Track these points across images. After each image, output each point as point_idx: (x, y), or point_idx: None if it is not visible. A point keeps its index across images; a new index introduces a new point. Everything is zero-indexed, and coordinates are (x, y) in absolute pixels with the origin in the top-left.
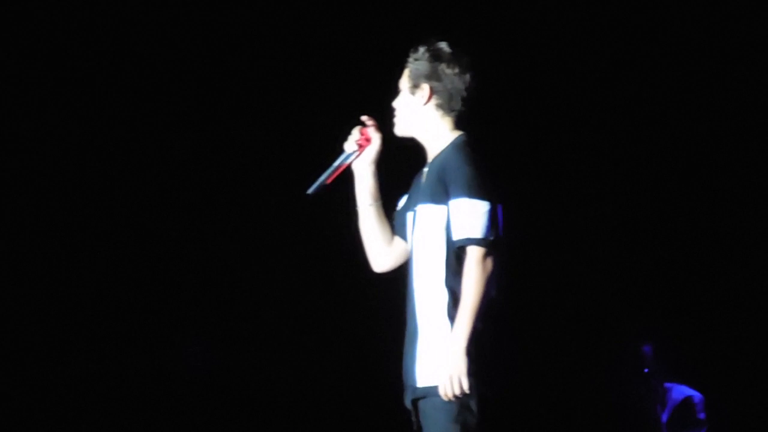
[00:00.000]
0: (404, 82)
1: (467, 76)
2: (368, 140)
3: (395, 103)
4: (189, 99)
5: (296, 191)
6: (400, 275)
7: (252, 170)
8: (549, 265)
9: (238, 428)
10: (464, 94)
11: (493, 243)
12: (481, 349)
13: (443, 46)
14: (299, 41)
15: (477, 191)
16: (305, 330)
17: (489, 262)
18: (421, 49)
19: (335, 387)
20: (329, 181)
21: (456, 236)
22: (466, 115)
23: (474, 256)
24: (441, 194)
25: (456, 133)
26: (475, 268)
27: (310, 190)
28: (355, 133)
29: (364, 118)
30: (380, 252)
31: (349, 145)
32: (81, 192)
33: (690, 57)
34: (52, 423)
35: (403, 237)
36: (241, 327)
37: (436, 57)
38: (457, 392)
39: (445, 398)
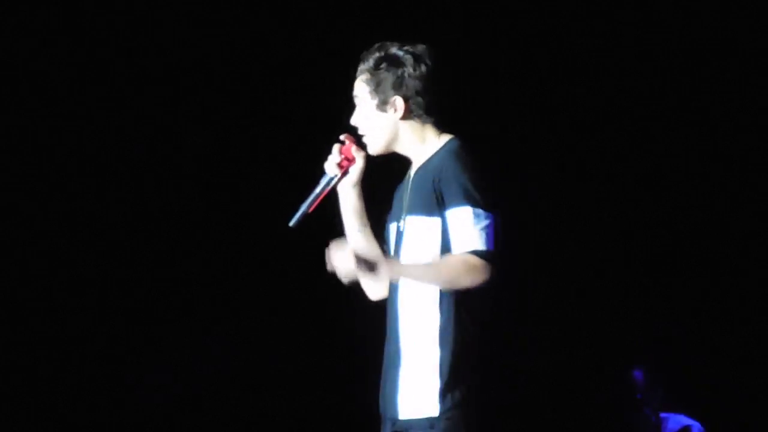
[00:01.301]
0: (365, 98)
1: (436, 72)
2: (350, 160)
3: (354, 121)
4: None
5: (279, 222)
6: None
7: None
8: (532, 283)
9: None
10: (440, 94)
11: (496, 257)
12: (471, 374)
13: (397, 49)
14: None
15: (479, 201)
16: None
17: (488, 275)
18: (373, 58)
19: (307, 417)
20: (311, 209)
21: (459, 249)
22: (449, 114)
23: (473, 263)
24: (434, 205)
25: (445, 137)
26: (467, 268)
27: (293, 222)
28: (335, 154)
29: (342, 136)
30: (375, 279)
31: (330, 167)
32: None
33: (687, 59)
34: None
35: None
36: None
37: (396, 63)
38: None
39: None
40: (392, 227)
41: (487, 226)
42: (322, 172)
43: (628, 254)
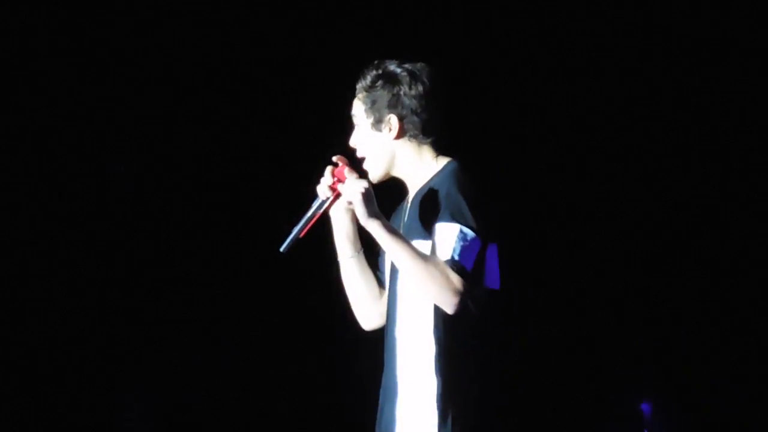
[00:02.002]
0: (361, 118)
1: (434, 93)
2: (343, 182)
3: (353, 142)
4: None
5: (269, 247)
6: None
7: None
8: (534, 310)
9: None
10: (437, 114)
11: (473, 280)
12: (467, 405)
13: (395, 66)
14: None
15: (470, 222)
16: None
17: (456, 293)
18: (370, 76)
19: None
20: (303, 234)
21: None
22: (446, 137)
23: (452, 277)
24: (432, 228)
25: (444, 160)
26: (445, 278)
27: (284, 247)
28: (328, 176)
29: (336, 158)
30: (369, 307)
31: (322, 190)
32: None
33: (682, 59)
34: None
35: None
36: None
37: (393, 81)
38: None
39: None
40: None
41: (470, 248)
42: (314, 195)
43: (640, 284)
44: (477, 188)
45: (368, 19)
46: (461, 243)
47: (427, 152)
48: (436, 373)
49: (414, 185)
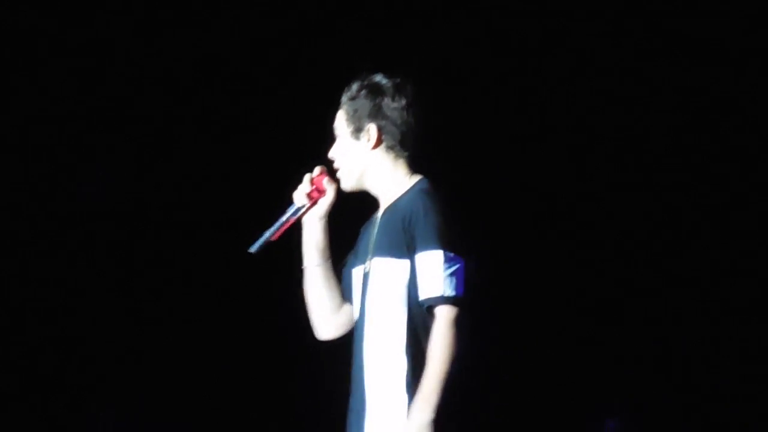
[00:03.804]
0: (342, 127)
1: (416, 107)
2: (321, 192)
3: (332, 154)
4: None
5: (239, 247)
6: (346, 339)
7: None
8: (504, 328)
9: None
10: (416, 129)
11: (466, 303)
12: (448, 425)
13: (380, 78)
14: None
15: (451, 244)
16: (230, 395)
17: (462, 324)
18: (355, 86)
19: None
20: (275, 238)
21: (424, 294)
22: (420, 155)
23: (446, 316)
24: (402, 246)
25: (416, 177)
26: (446, 330)
27: (254, 248)
28: (306, 184)
29: (317, 168)
30: (327, 318)
31: (299, 196)
32: None
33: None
34: None
35: (351, 299)
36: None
37: (376, 92)
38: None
39: None
40: (357, 271)
41: (456, 271)
42: (290, 201)
43: (604, 301)
44: (448, 206)
45: (355, 24)
46: (448, 269)
47: (401, 167)
48: (407, 391)
49: (385, 200)
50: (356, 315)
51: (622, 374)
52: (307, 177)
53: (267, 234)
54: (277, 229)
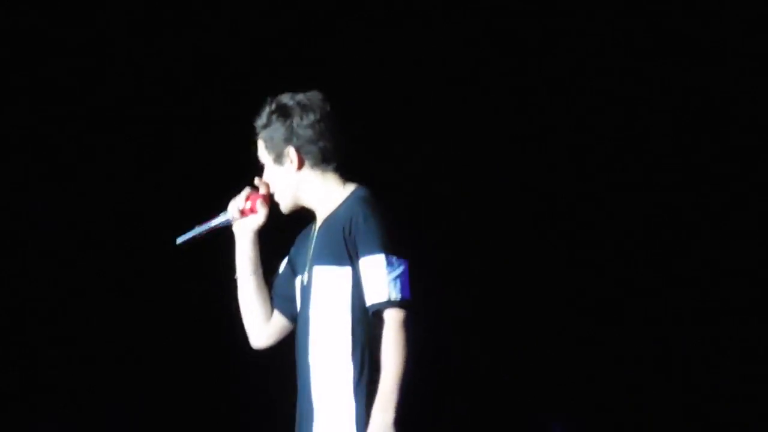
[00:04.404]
0: (264, 156)
1: (327, 119)
2: (253, 211)
3: (264, 180)
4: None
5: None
6: (288, 347)
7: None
8: (449, 329)
9: None
10: (334, 140)
11: (413, 304)
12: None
13: (286, 99)
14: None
15: (393, 247)
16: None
17: (410, 325)
18: (264, 113)
19: None
20: (200, 236)
21: (370, 300)
22: (349, 160)
23: (395, 319)
24: (344, 254)
25: (351, 186)
26: (397, 332)
27: (179, 241)
28: (241, 198)
29: (257, 181)
30: (260, 327)
31: (232, 208)
32: None
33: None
34: None
35: (286, 310)
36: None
37: (284, 114)
38: None
39: None
40: (297, 280)
41: (401, 274)
42: (224, 207)
43: (553, 298)
44: (386, 210)
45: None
46: (392, 272)
47: (332, 179)
48: (354, 396)
49: (322, 213)
50: (299, 324)
51: (571, 376)
52: (245, 191)
53: (195, 231)
54: (205, 230)
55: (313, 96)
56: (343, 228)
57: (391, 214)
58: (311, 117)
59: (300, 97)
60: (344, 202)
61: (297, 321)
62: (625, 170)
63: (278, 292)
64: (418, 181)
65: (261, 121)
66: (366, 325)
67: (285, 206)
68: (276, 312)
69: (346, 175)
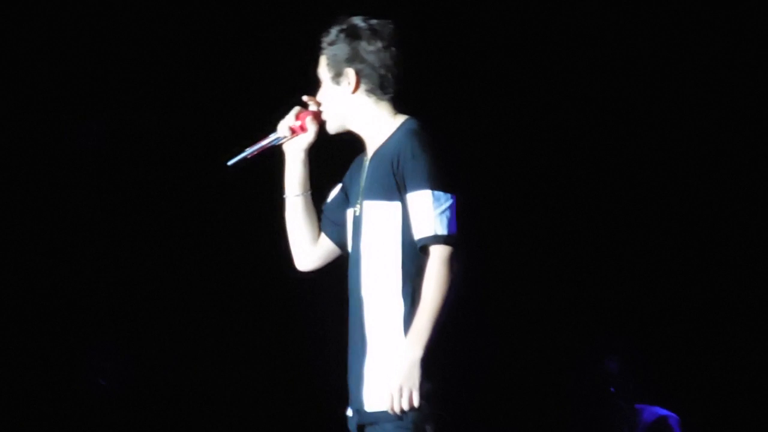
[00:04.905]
0: (323, 73)
1: (393, 50)
2: (303, 129)
3: (319, 98)
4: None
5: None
6: (342, 277)
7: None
8: (502, 267)
9: None
10: (395, 71)
11: (460, 240)
12: (438, 364)
13: (358, 21)
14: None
15: (440, 183)
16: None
17: (455, 262)
18: (334, 31)
19: (267, 406)
20: (251, 156)
21: (418, 234)
22: (404, 95)
23: (439, 255)
24: (393, 189)
25: (401, 118)
26: (440, 268)
27: (231, 162)
28: (291, 116)
29: (306, 98)
30: (305, 249)
31: (282, 126)
32: None
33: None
34: None
35: (334, 235)
36: (154, 335)
37: (353, 35)
38: (405, 407)
39: (392, 412)
40: (349, 213)
41: (447, 209)
42: (274, 128)
43: (601, 242)
44: (436, 143)
45: None
46: (438, 208)
47: (385, 109)
48: (404, 332)
49: (372, 143)
50: (351, 257)
51: (623, 315)
52: (294, 110)
53: (246, 152)
54: (256, 150)
55: (386, 24)
56: (392, 162)
57: (440, 147)
58: (378, 44)
59: (373, 22)
60: (394, 133)
61: (349, 253)
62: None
63: (328, 216)
64: None
65: (328, 37)
66: (416, 261)
67: (332, 126)
68: (323, 236)
69: (399, 107)
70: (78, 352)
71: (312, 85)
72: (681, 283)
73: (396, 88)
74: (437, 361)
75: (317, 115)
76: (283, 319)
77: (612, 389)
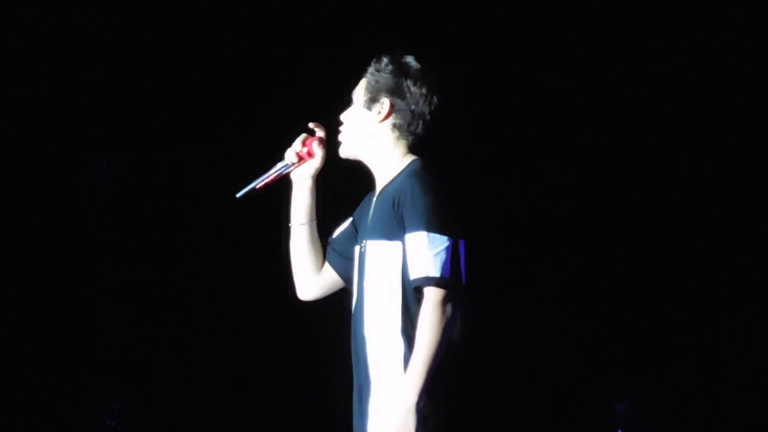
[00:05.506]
0: (359, 94)
1: (435, 99)
2: (310, 155)
3: (343, 116)
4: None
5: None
6: (345, 312)
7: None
8: (507, 308)
9: None
10: (428, 117)
11: (454, 284)
12: (436, 407)
13: (410, 60)
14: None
15: (437, 225)
16: (235, 374)
17: (449, 306)
18: (385, 60)
19: None
20: (260, 187)
21: (412, 275)
22: (422, 141)
23: (432, 298)
24: (395, 229)
25: (410, 158)
26: (432, 311)
27: (240, 194)
28: (298, 143)
29: (312, 125)
30: (308, 279)
31: (290, 154)
32: None
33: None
34: None
35: (339, 266)
36: (161, 374)
37: (401, 71)
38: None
39: None
40: (356, 249)
41: (442, 251)
42: (282, 156)
43: (610, 284)
44: (440, 187)
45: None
46: (433, 250)
47: (400, 148)
48: (405, 370)
49: (381, 179)
50: (356, 295)
51: (632, 347)
52: (301, 137)
53: (254, 183)
54: (264, 179)
55: (434, 75)
56: (394, 202)
57: (442, 190)
58: (423, 89)
59: (424, 68)
60: (400, 173)
61: (354, 291)
62: (626, 169)
63: (335, 247)
64: None
65: (377, 64)
66: (416, 301)
67: (345, 150)
68: (327, 266)
69: (413, 149)
70: (86, 394)
71: (317, 117)
72: (690, 325)
73: (420, 135)
74: (435, 404)
75: (323, 141)
76: (289, 358)
77: (620, 431)
